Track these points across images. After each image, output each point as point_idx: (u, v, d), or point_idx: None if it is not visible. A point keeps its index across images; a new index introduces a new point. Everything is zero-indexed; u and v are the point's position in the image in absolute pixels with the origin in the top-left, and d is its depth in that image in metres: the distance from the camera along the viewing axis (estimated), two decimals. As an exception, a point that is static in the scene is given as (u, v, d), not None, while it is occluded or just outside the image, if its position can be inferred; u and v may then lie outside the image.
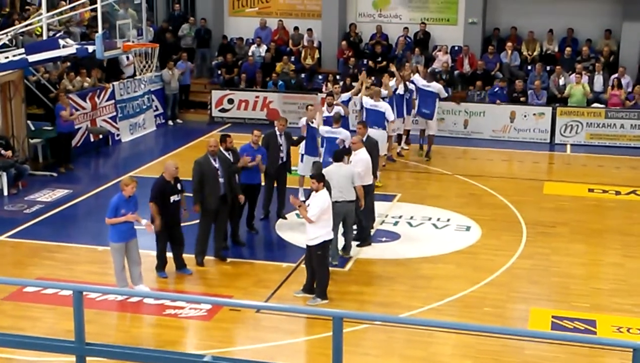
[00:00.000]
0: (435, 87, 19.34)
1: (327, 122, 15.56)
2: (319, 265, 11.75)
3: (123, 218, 11.68)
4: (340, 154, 13.21)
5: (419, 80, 19.35)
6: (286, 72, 23.12)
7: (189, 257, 12.89)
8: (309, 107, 16.41)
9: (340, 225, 13.03)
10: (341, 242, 13.28)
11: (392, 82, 18.41)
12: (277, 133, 14.62)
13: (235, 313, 11.51)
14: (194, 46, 24.58)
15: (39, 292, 11.86)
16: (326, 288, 11.83)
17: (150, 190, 12.37)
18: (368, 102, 17.19)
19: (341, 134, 15.26)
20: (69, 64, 20.22)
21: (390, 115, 17.15)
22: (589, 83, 21.59)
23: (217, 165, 12.91)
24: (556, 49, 23.18)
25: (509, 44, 22.95)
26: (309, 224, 11.58)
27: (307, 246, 11.82)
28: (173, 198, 12.38)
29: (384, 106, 17.10)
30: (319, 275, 11.80)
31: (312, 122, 15.59)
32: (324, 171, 12.64)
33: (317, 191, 11.62)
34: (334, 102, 16.56)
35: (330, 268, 12.03)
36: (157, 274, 12.61)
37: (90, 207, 16.08)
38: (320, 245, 11.61)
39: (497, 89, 21.36)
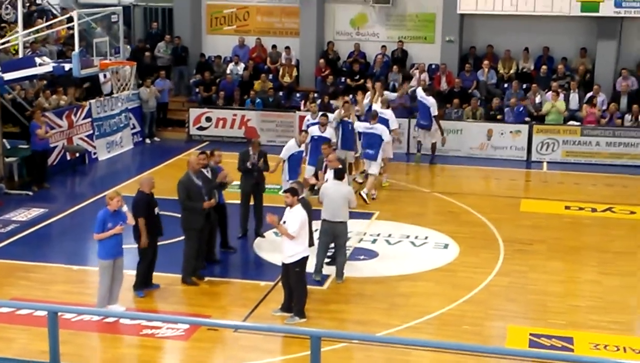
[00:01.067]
0: (430, 101, 19.86)
1: (320, 140, 16.09)
2: (297, 282, 11.70)
3: (111, 231, 11.62)
4: (341, 172, 13.20)
5: (419, 91, 20.08)
6: (264, 90, 23.14)
7: (166, 276, 12.80)
8: (345, 105, 17.55)
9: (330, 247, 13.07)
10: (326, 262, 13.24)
11: (366, 100, 18.55)
12: (251, 153, 14.58)
13: (213, 332, 11.43)
14: (170, 64, 24.54)
15: (14, 313, 11.72)
16: (304, 307, 11.79)
17: (132, 208, 12.25)
18: (360, 125, 17.82)
19: (378, 129, 17.09)
20: (45, 82, 20.11)
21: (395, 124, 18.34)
22: (565, 101, 21.78)
23: (199, 183, 12.88)
24: (532, 67, 23.38)
25: (486, 62, 23.13)
26: (286, 241, 11.54)
27: (284, 264, 11.76)
28: (157, 210, 12.35)
29: (388, 113, 18.16)
30: (297, 293, 11.75)
31: (349, 117, 17.19)
32: (322, 188, 12.75)
33: (291, 206, 11.58)
34: (327, 122, 16.96)
35: (307, 286, 12.00)
36: (134, 293, 12.49)
37: (66, 227, 15.95)
38: (299, 262, 11.57)
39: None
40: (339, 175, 13.10)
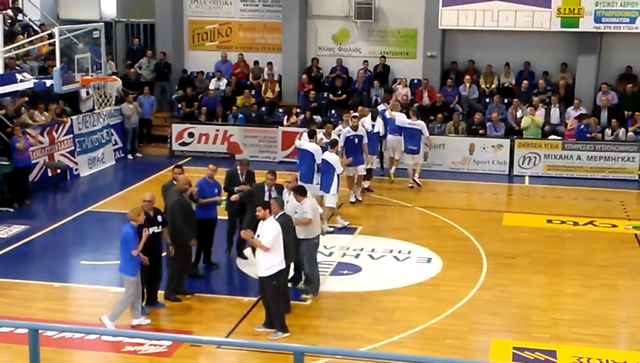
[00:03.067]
0: (420, 124, 19.89)
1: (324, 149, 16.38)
2: (273, 296, 11.64)
3: (141, 245, 11.70)
4: (303, 189, 13.16)
5: (403, 120, 19.80)
6: (247, 106, 23.15)
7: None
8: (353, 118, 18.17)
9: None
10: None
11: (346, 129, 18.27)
12: (239, 172, 14.50)
13: (196, 348, 11.37)
14: (153, 80, 24.52)
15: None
16: (284, 321, 11.74)
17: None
18: (405, 121, 19.64)
19: (419, 125, 19.50)
20: (26, 98, 20.01)
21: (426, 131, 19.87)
22: (546, 115, 21.93)
23: (189, 201, 12.85)
24: (513, 82, 23.54)
25: (467, 77, 23.26)
26: (262, 254, 11.50)
27: (260, 278, 11.72)
28: (152, 229, 12.16)
29: (420, 124, 19.69)
30: (274, 308, 11.70)
31: (373, 126, 18.43)
32: (308, 209, 12.66)
33: (264, 219, 11.58)
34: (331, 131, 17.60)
35: (290, 300, 11.96)
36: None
37: (48, 243, 15.84)
38: (275, 275, 11.53)
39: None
40: (303, 193, 13.01)
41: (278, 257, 11.53)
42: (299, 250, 12.71)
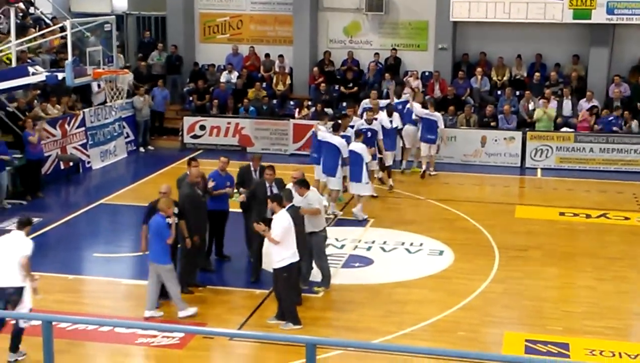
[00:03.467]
0: (437, 115, 20.09)
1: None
2: (285, 288, 11.68)
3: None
4: (306, 182, 13.11)
5: (421, 110, 20.06)
6: (258, 98, 23.15)
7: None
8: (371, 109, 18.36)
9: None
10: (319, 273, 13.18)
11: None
12: (252, 169, 14.31)
13: (209, 341, 11.40)
14: (164, 73, 24.54)
15: (9, 322, 11.64)
16: (296, 312, 11.78)
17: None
18: (423, 111, 19.93)
19: (436, 116, 19.85)
20: (38, 91, 20.07)
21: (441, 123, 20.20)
22: (558, 108, 21.84)
23: (201, 194, 12.85)
24: (525, 74, 23.44)
25: (479, 69, 23.18)
26: (273, 247, 11.55)
27: (274, 270, 11.75)
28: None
29: (437, 115, 20.00)
30: (285, 300, 11.74)
31: (391, 122, 18.30)
32: (312, 201, 12.63)
33: (275, 212, 11.63)
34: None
35: (304, 295, 11.97)
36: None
37: (61, 236, 15.90)
38: (287, 267, 11.56)
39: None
40: (307, 185, 12.97)
41: (290, 250, 11.55)
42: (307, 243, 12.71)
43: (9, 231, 11.27)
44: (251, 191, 13.67)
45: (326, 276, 13.07)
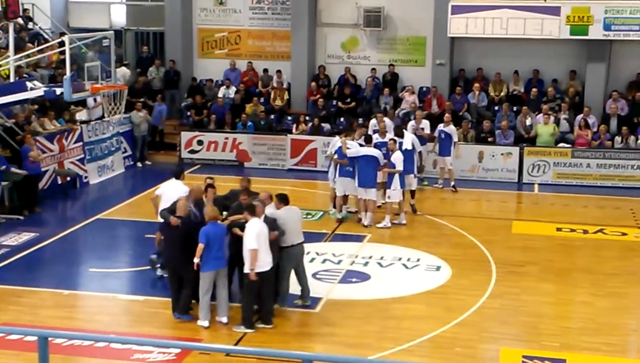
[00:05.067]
0: (452, 129, 20.27)
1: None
2: (247, 292, 11.95)
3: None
4: (286, 197, 13.07)
5: (425, 123, 20.59)
6: (256, 113, 23.18)
7: (157, 300, 12.71)
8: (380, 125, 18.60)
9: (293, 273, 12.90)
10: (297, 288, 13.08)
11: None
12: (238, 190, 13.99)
13: (205, 356, 11.36)
14: (162, 88, 24.58)
15: (4, 338, 11.62)
16: (252, 317, 12.00)
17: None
18: (438, 127, 20.30)
19: (451, 130, 20.16)
20: (36, 106, 20.09)
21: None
22: (555, 123, 21.88)
23: (197, 212, 12.75)
24: (522, 90, 23.51)
25: (476, 84, 23.25)
26: (244, 252, 11.79)
27: (243, 273, 12.00)
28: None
29: (452, 129, 20.33)
30: (245, 303, 12.00)
31: (401, 144, 17.53)
32: (277, 217, 12.54)
33: (245, 221, 11.94)
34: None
35: (301, 310, 11.93)
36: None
37: (57, 251, 15.87)
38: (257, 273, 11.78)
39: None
40: (286, 201, 12.89)
41: (262, 260, 11.75)
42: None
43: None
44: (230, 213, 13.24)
45: (283, 295, 12.82)
